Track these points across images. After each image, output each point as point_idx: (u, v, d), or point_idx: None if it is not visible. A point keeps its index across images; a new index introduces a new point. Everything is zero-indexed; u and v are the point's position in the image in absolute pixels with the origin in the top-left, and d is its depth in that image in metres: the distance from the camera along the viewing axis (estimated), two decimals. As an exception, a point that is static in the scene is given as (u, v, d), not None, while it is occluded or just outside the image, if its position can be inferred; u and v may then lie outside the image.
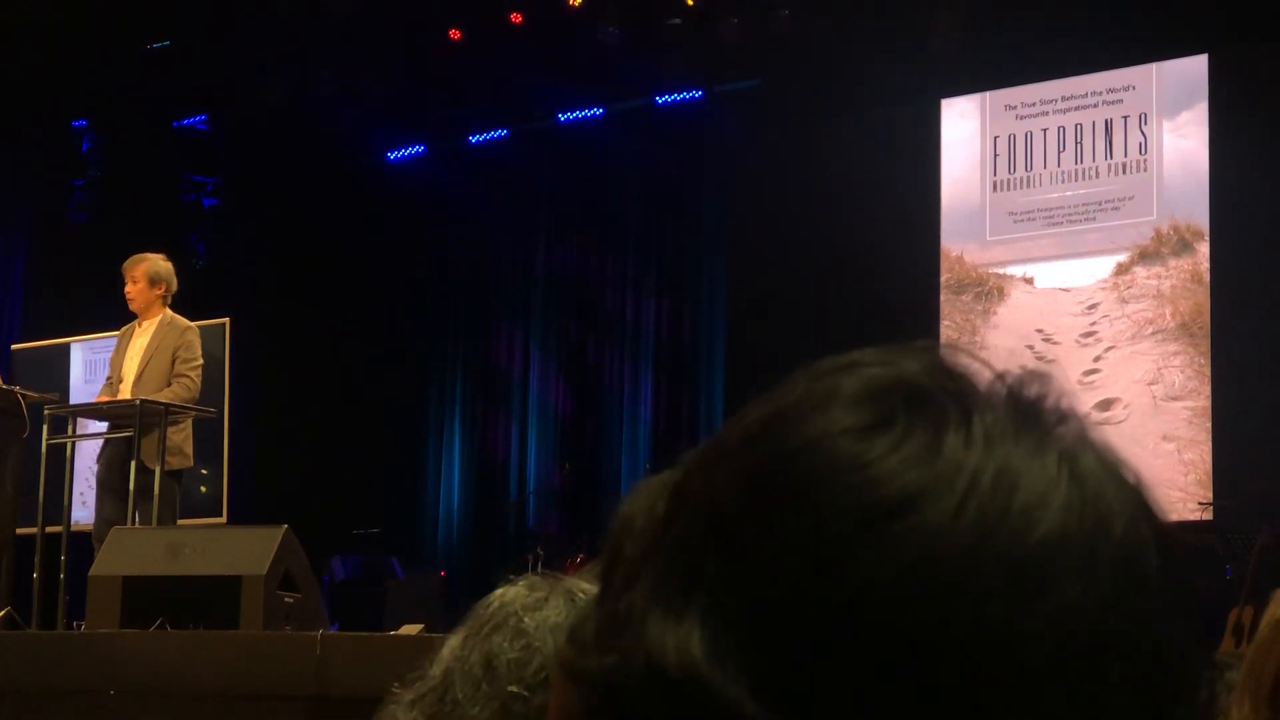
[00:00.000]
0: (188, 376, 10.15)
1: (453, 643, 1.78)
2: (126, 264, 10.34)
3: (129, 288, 10.25)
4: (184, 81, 15.52)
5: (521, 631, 1.73)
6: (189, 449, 10.10)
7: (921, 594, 0.71)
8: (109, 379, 10.31)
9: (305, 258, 16.69)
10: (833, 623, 0.71)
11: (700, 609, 0.73)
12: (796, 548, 0.72)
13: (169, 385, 10.08)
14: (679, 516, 0.77)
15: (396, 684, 1.82)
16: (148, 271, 10.22)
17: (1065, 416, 0.78)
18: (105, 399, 10.12)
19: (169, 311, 10.27)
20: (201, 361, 10.23)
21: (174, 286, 10.32)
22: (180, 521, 10.59)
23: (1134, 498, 0.77)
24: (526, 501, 15.83)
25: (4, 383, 10.22)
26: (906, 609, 0.71)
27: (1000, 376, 0.78)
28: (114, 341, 10.54)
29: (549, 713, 0.83)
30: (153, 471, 9.87)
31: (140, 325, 10.27)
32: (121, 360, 10.24)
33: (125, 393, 10.11)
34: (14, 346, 13.09)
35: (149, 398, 9.93)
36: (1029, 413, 0.77)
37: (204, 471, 12.38)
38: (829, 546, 0.72)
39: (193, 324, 10.31)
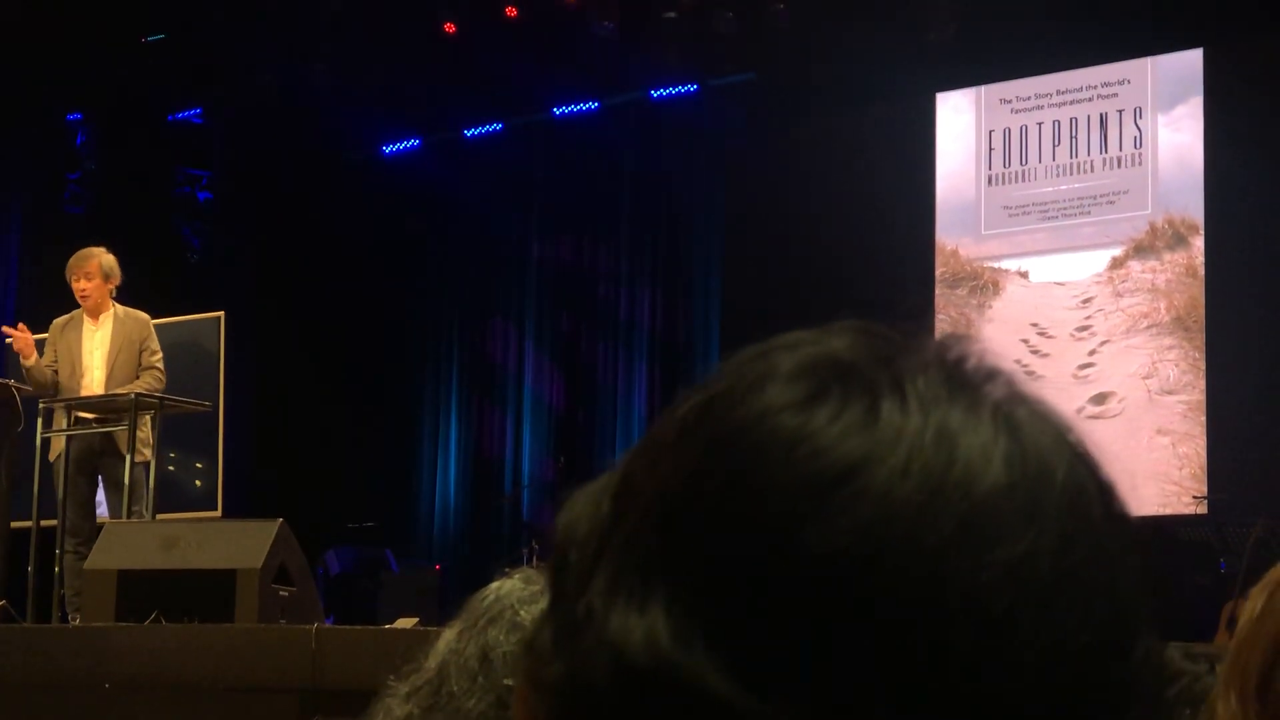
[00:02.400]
0: (156, 369, 10.15)
1: (448, 636, 1.78)
2: (74, 262, 10.18)
3: (84, 284, 10.11)
4: (179, 75, 15.50)
5: (517, 624, 1.73)
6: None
7: (877, 557, 0.72)
8: (52, 368, 10.20)
9: (300, 251, 16.68)
10: (794, 595, 0.72)
11: (662, 598, 0.73)
12: (749, 527, 0.73)
13: (137, 378, 10.08)
14: (627, 513, 0.77)
15: (392, 677, 1.82)
16: (102, 267, 10.13)
17: (992, 374, 0.79)
18: (95, 394, 10.09)
19: (117, 304, 10.23)
20: (160, 351, 10.23)
21: (119, 278, 10.27)
22: (175, 515, 10.60)
23: (1070, 444, 0.78)
24: (521, 495, 15.83)
25: (-2, 376, 10.22)
26: (864, 573, 0.71)
27: (922, 344, 0.79)
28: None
29: None
30: (147, 463, 9.90)
31: (94, 320, 10.19)
32: (78, 355, 10.15)
33: (96, 387, 10.08)
34: (8, 340, 13.08)
35: (143, 391, 9.94)
36: (957, 374, 0.78)
37: (199, 465, 12.38)
38: (781, 521, 0.72)
39: (149, 318, 10.29)
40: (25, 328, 10.16)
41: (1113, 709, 0.75)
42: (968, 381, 0.78)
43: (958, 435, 0.74)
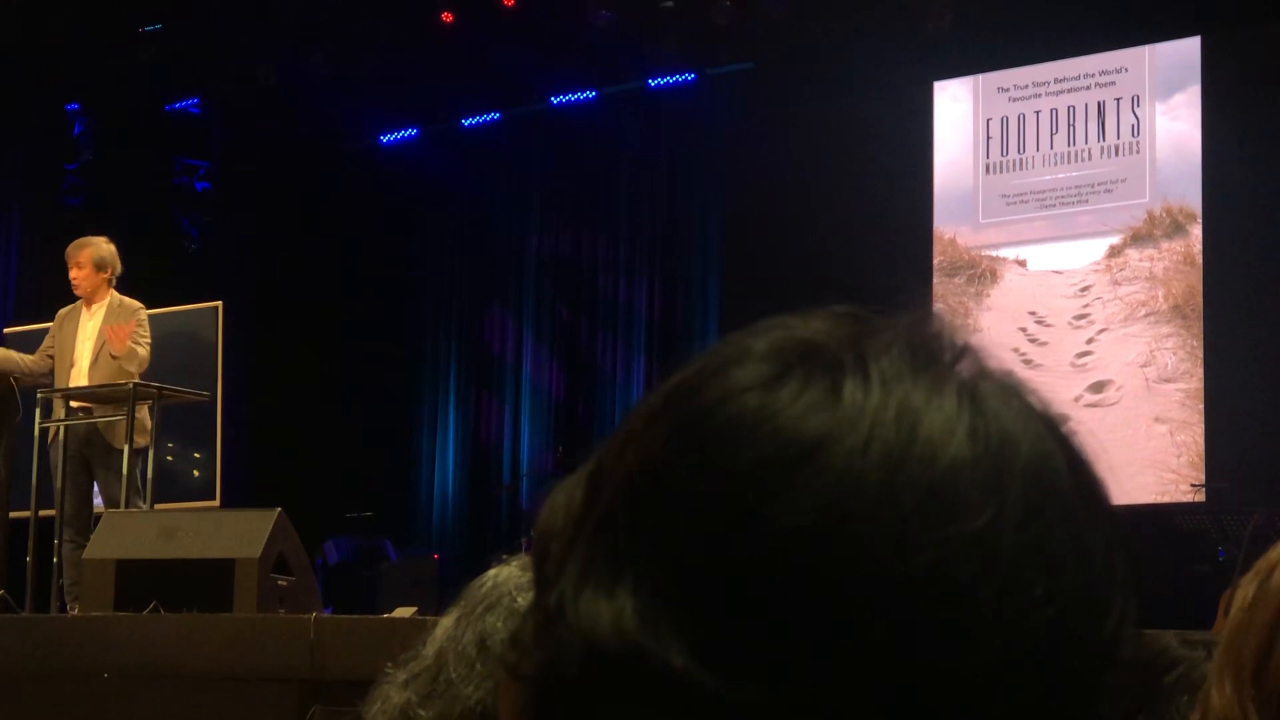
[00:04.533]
0: (140, 345, 10.12)
1: (446, 623, 1.78)
2: (70, 249, 10.27)
3: (74, 273, 10.18)
4: (176, 65, 15.48)
5: (515, 611, 1.73)
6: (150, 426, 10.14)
7: (838, 534, 0.72)
8: (49, 357, 10.24)
9: (298, 241, 16.68)
10: (756, 575, 0.72)
11: (630, 583, 0.74)
12: (712, 507, 0.73)
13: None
14: (597, 500, 0.78)
15: (390, 664, 1.82)
16: (93, 257, 10.18)
17: (962, 351, 0.79)
18: (81, 383, 10.10)
19: (115, 294, 10.25)
20: (150, 340, 10.23)
21: (119, 269, 10.29)
22: (173, 505, 10.60)
23: (1038, 417, 0.78)
24: (520, 484, 15.83)
25: (-5, 367, 10.22)
26: (826, 550, 0.72)
27: (894, 324, 0.80)
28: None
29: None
30: (145, 449, 9.92)
31: (88, 309, 10.23)
32: (72, 344, 10.19)
33: (82, 376, 10.10)
34: (6, 330, 13.07)
35: (113, 379, 9.96)
36: (924, 353, 0.78)
37: (197, 455, 12.38)
38: (743, 500, 0.73)
39: (142, 305, 10.30)
40: None
41: (1085, 679, 0.75)
42: (934, 358, 0.78)
43: (920, 411, 0.75)
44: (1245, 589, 1.74)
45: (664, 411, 0.77)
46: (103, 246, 10.24)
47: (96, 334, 10.16)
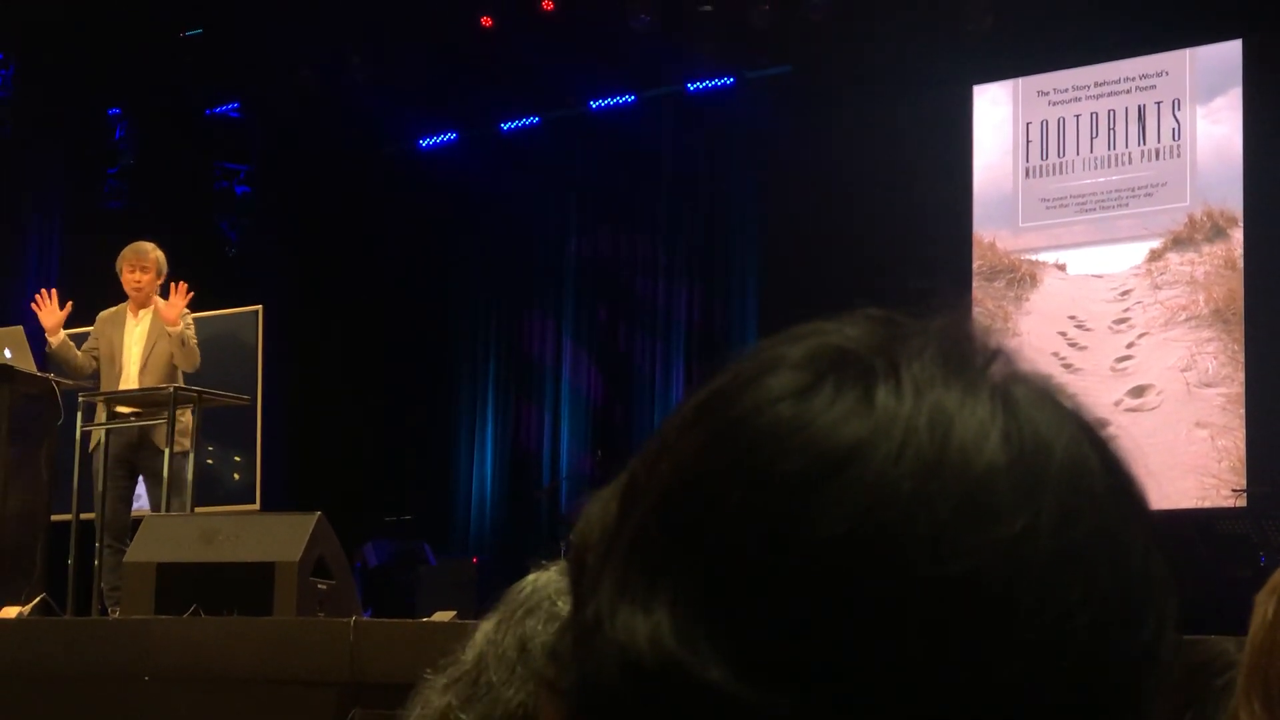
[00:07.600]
0: (191, 339, 10.17)
1: (486, 627, 1.79)
2: (133, 253, 10.26)
3: (139, 276, 10.20)
4: (217, 69, 15.55)
5: (555, 615, 1.73)
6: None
7: (875, 543, 0.72)
8: (93, 355, 10.27)
9: (337, 245, 16.72)
10: (792, 585, 0.72)
11: (667, 597, 0.74)
12: (747, 519, 0.73)
13: (174, 366, 10.15)
14: (631, 513, 0.77)
15: (429, 669, 1.83)
16: (158, 261, 10.25)
17: (994, 355, 0.79)
18: (130, 388, 10.13)
19: (159, 298, 10.30)
20: (195, 336, 10.27)
21: (166, 274, 10.38)
22: (213, 508, 10.64)
23: (1072, 419, 0.78)
24: (559, 488, 15.84)
25: (38, 370, 10.26)
26: (862, 561, 0.72)
27: (925, 328, 0.79)
28: None
29: None
30: (186, 453, 9.96)
31: (135, 314, 10.26)
32: (119, 349, 10.22)
33: (131, 380, 10.13)
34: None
35: (162, 385, 9.99)
36: (956, 357, 0.78)
37: (237, 459, 12.42)
38: (778, 511, 0.73)
39: (187, 309, 10.34)
40: (55, 296, 10.22)
41: (1125, 682, 0.75)
42: (966, 363, 0.78)
43: (953, 417, 0.75)
44: (1263, 607, 1.72)
45: (697, 422, 0.77)
46: (160, 252, 10.33)
47: (145, 338, 10.19)
